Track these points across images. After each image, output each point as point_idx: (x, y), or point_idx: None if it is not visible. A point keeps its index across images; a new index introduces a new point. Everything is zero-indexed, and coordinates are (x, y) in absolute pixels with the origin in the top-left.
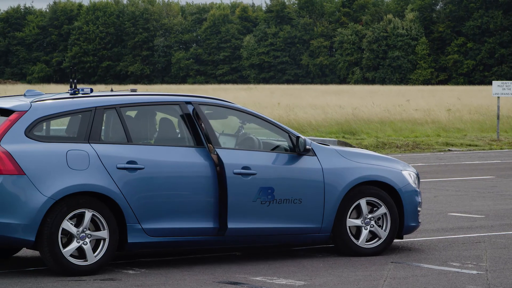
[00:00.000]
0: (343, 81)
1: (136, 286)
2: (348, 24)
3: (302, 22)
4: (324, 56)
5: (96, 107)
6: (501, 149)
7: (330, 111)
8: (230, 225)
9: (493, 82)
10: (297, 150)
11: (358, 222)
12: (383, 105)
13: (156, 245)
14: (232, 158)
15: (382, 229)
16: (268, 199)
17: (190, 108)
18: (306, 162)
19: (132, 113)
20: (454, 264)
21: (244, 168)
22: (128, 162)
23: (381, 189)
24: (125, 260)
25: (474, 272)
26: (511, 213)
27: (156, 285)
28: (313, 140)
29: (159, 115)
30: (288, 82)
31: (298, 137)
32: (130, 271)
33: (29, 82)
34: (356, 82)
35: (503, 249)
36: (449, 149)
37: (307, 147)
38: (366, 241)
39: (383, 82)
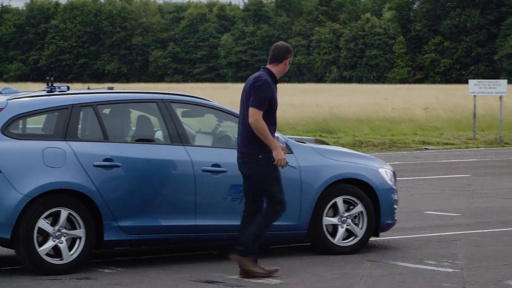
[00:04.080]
0: (320, 79)
1: (112, 285)
2: (326, 23)
3: (280, 21)
4: (301, 55)
5: (73, 104)
6: (477, 147)
7: (307, 110)
8: (200, 222)
9: (470, 80)
10: None
11: (334, 220)
12: (360, 103)
13: (133, 243)
14: (202, 156)
15: (358, 227)
16: (240, 196)
17: (166, 106)
18: None
19: (108, 111)
20: (430, 262)
21: (214, 165)
22: (105, 160)
23: (357, 187)
24: (102, 259)
25: (450, 270)
26: (486, 211)
27: (132, 283)
28: (290, 138)
29: (136, 113)
30: None
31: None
32: (106, 270)
33: (6, 80)
34: (334, 80)
35: (479, 247)
36: (425, 148)
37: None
38: (343, 240)
39: (360, 80)
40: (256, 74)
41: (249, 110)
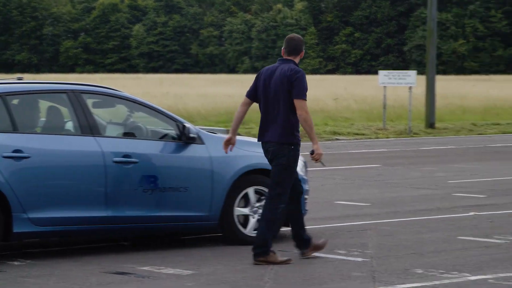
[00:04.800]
0: (232, 70)
1: (21, 277)
2: (238, 14)
3: (192, 12)
4: (213, 45)
5: None
6: (387, 137)
7: (219, 101)
8: (111, 213)
9: (380, 71)
10: (183, 138)
11: (246, 210)
12: None
13: (43, 235)
14: (113, 146)
15: None
16: (151, 187)
17: (77, 96)
18: (194, 150)
19: (18, 102)
20: (340, 252)
21: (124, 156)
22: (14, 151)
23: (269, 178)
24: (10, 251)
25: (360, 259)
26: (396, 201)
27: (42, 276)
28: (202, 129)
29: (46, 104)
30: (177, 71)
31: (184, 125)
32: (15, 262)
33: None
34: (246, 71)
35: (388, 236)
36: (336, 138)
37: (191, 135)
38: (254, 230)
39: None
40: (286, 66)
41: (295, 102)
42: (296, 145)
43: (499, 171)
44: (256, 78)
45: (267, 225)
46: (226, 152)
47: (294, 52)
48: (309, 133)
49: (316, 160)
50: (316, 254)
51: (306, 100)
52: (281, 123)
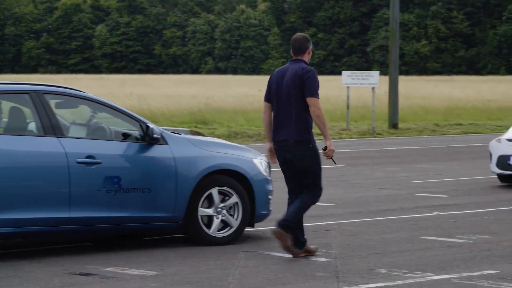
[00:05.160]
0: (195, 71)
1: None
2: (201, 14)
3: (155, 12)
4: (177, 46)
5: None
6: (350, 138)
7: (183, 101)
8: (74, 214)
9: (343, 72)
10: (146, 139)
11: (210, 211)
12: (235, 95)
13: (6, 236)
14: (76, 147)
15: (233, 218)
16: (115, 188)
17: (39, 97)
18: (157, 151)
19: None
20: None
21: (88, 157)
22: None
23: (232, 178)
24: None
25: (324, 259)
26: (359, 201)
27: (6, 278)
28: (166, 129)
29: (9, 104)
30: (140, 71)
31: (147, 126)
32: None
33: None
34: (209, 72)
35: (352, 236)
36: None
37: (155, 135)
38: (218, 230)
39: (235, 72)
40: (296, 65)
41: (308, 100)
42: (313, 142)
43: (462, 171)
44: (269, 80)
45: (301, 206)
46: (274, 163)
47: (300, 51)
48: (322, 129)
49: (328, 157)
50: (280, 254)
51: (318, 98)
52: (295, 122)
